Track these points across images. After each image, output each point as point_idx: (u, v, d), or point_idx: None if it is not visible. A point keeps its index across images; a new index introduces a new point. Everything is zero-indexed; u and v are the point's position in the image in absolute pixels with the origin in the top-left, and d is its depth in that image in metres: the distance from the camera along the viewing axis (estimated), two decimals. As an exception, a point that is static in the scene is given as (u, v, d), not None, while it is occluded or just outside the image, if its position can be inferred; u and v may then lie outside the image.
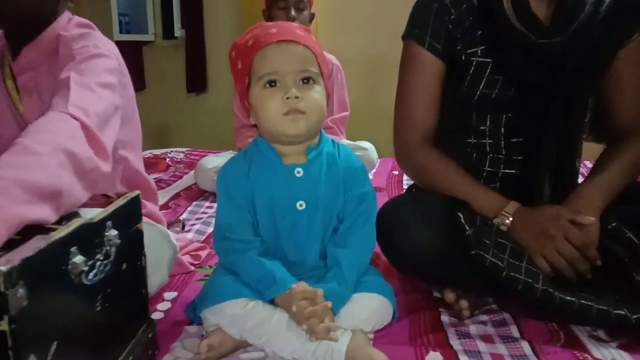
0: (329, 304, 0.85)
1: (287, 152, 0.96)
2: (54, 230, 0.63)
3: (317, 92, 0.92)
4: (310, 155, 0.96)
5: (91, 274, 0.67)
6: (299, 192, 0.95)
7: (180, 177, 2.13)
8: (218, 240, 0.98)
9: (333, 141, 1.02)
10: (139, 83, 3.83)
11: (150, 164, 2.23)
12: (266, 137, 0.97)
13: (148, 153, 2.38)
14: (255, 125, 0.99)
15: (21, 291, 0.53)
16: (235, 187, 0.96)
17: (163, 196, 1.87)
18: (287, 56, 0.90)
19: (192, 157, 2.39)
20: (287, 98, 0.89)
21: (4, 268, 0.51)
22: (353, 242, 0.96)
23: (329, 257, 0.96)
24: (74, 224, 0.64)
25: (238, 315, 0.89)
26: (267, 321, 0.88)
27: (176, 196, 1.89)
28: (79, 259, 0.64)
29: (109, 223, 0.72)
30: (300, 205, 0.95)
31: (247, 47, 0.92)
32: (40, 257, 0.57)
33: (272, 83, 0.90)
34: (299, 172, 0.95)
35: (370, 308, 0.92)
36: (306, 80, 0.91)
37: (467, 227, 0.96)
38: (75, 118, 0.83)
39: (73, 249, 0.63)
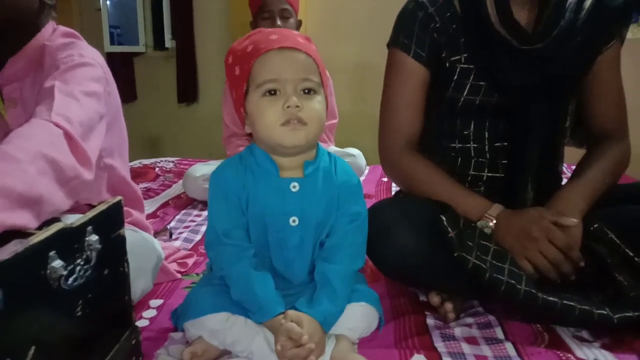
0: (312, 346, 0.81)
1: (284, 164, 0.92)
2: (32, 235, 0.63)
3: (318, 102, 0.89)
4: (307, 171, 0.92)
5: (70, 279, 0.67)
6: (293, 208, 0.91)
7: (169, 186, 2.13)
8: (212, 246, 0.93)
9: (329, 154, 0.98)
10: (130, 94, 3.84)
11: (140, 174, 2.22)
12: (262, 147, 0.93)
13: (137, 163, 2.37)
14: (250, 134, 0.94)
15: (-3, 295, 0.53)
16: (232, 189, 0.92)
17: (152, 205, 1.87)
18: (288, 63, 0.87)
19: (182, 166, 2.39)
20: (288, 107, 0.85)
21: (-22, 271, 0.51)
22: (342, 258, 0.92)
23: (317, 274, 0.92)
24: (53, 229, 0.64)
25: (218, 330, 0.88)
26: (248, 339, 0.87)
27: (165, 205, 1.89)
28: (57, 263, 0.64)
29: (89, 228, 0.72)
30: (293, 221, 0.91)
31: (246, 53, 0.89)
32: (18, 261, 0.57)
33: (271, 92, 0.87)
34: (294, 187, 0.91)
35: (356, 317, 0.91)
36: (307, 90, 0.88)
37: (449, 230, 0.97)
38: (58, 126, 0.84)
39: (52, 253, 0.63)
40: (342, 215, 0.94)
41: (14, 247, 0.58)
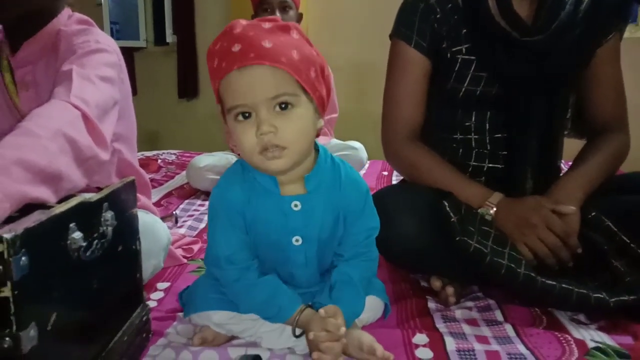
0: (345, 341, 0.80)
1: (283, 179, 0.86)
2: (53, 208, 0.65)
3: (298, 118, 0.79)
4: (309, 186, 0.86)
5: (89, 252, 0.69)
6: (296, 227, 0.87)
7: (172, 177, 2.16)
8: (212, 267, 0.91)
9: (333, 158, 0.90)
10: (131, 89, 3.84)
11: (142, 165, 2.21)
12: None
13: (140, 155, 2.39)
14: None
15: (24, 259, 0.55)
16: (236, 208, 0.86)
17: (155, 195, 1.89)
18: (253, 84, 0.76)
19: (184, 158, 2.42)
20: (261, 134, 0.77)
21: (8, 235, 0.53)
22: (360, 263, 0.91)
23: (339, 273, 0.89)
24: (73, 202, 0.67)
25: (224, 323, 0.90)
26: (255, 325, 0.89)
27: (168, 195, 1.92)
28: (77, 235, 0.66)
29: (105, 204, 0.75)
30: (297, 240, 0.88)
31: (213, 69, 0.80)
32: (42, 229, 0.59)
33: (244, 114, 0.79)
34: (296, 206, 0.86)
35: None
36: (283, 105, 0.78)
37: (451, 215, 0.99)
38: (76, 107, 0.86)
39: (72, 225, 0.65)
40: (358, 231, 0.91)
41: (37, 217, 0.61)
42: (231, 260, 0.87)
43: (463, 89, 1.14)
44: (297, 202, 0.86)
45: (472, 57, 1.12)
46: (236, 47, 0.77)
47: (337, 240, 0.92)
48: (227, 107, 0.80)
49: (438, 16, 1.13)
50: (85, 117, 0.85)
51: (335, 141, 2.21)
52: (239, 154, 2.02)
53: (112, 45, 1.06)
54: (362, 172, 2.24)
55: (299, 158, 0.83)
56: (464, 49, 1.13)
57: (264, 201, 0.86)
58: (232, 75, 0.77)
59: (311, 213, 0.87)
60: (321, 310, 0.81)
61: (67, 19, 1.08)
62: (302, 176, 0.87)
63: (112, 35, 3.74)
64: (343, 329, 0.79)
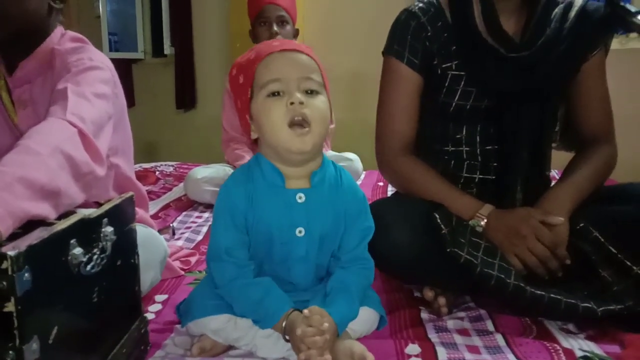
0: (328, 337, 0.82)
1: (290, 174, 0.93)
2: (54, 224, 0.67)
3: (321, 103, 0.90)
4: (314, 181, 0.93)
5: (89, 266, 0.71)
6: (299, 219, 0.92)
7: (170, 189, 2.18)
8: (213, 261, 0.94)
9: (334, 164, 0.99)
10: (129, 100, 3.79)
11: (140, 177, 2.26)
12: (268, 154, 0.93)
13: (138, 167, 2.41)
14: (255, 142, 0.96)
15: (27, 275, 0.57)
16: (239, 207, 0.92)
17: (153, 207, 1.91)
18: (290, 63, 0.90)
19: (182, 170, 2.44)
20: (292, 103, 0.86)
21: (12, 252, 0.55)
22: (358, 270, 0.95)
23: (335, 280, 0.93)
24: (73, 218, 0.69)
25: (221, 329, 0.92)
26: (251, 332, 0.91)
27: (166, 207, 1.94)
28: (78, 250, 0.68)
29: (105, 220, 0.77)
30: (300, 231, 0.92)
31: (250, 60, 0.92)
32: (44, 246, 0.61)
33: (275, 93, 0.88)
34: (300, 198, 0.92)
35: (358, 320, 0.93)
36: (310, 91, 0.89)
37: (442, 227, 1.02)
38: (73, 125, 0.89)
39: (73, 241, 0.68)
40: (354, 232, 0.96)
41: (39, 233, 0.63)
42: (231, 253, 0.91)
43: (454, 104, 1.17)
44: (302, 195, 0.92)
45: (462, 73, 1.15)
46: (276, 43, 0.93)
47: (339, 239, 0.96)
48: (262, 83, 0.89)
49: (429, 34, 1.16)
50: (82, 134, 0.88)
51: (331, 153, 2.23)
52: (234, 167, 2.04)
53: (106, 62, 1.10)
54: (357, 183, 2.26)
55: (319, 141, 0.90)
56: (453, 65, 1.16)
57: (268, 196, 0.92)
58: (273, 55, 0.90)
59: (314, 205, 0.92)
60: (305, 310, 0.84)
61: (60, 37, 1.10)
62: (308, 173, 0.93)
63: (110, 46, 3.77)
64: (326, 325, 0.81)
